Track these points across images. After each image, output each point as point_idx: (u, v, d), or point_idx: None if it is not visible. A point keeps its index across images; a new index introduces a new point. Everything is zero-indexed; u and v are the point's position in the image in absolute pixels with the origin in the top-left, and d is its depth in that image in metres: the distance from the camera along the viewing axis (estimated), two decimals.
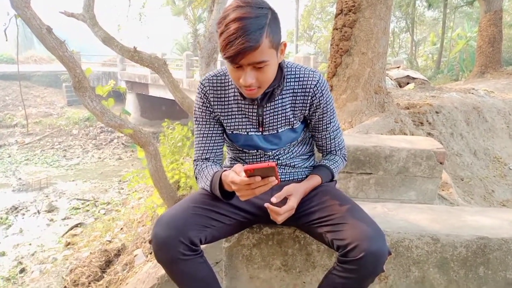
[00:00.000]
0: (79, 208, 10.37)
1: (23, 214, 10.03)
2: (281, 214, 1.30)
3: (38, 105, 19.38)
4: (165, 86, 5.64)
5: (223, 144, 1.52)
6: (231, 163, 1.59)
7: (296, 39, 23.90)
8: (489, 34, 12.21)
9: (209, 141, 1.48)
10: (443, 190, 3.22)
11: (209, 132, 1.47)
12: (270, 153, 1.47)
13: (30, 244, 8.32)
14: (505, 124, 6.13)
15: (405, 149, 2.64)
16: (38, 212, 10.13)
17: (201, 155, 1.49)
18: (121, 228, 7.25)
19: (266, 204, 1.28)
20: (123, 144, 16.60)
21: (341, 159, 1.53)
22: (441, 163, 2.69)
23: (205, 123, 1.46)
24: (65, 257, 6.95)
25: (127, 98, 19.09)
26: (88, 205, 10.55)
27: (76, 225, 8.94)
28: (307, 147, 1.55)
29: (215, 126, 1.47)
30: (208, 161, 1.48)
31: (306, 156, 1.55)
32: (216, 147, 1.49)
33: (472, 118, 5.69)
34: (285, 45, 1.27)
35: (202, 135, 1.48)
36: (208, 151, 1.48)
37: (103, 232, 7.54)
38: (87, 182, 12.66)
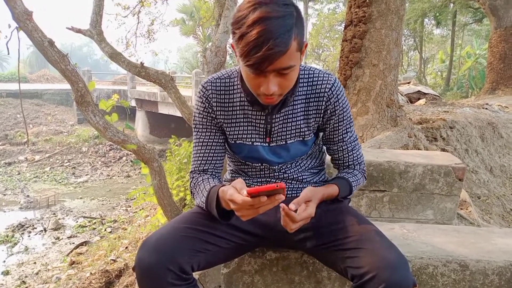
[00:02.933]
0: (86, 226, 10.24)
1: (29, 232, 9.92)
2: (297, 221, 1.08)
3: (48, 123, 19.52)
4: (174, 103, 5.55)
5: (224, 155, 1.35)
6: (231, 177, 1.42)
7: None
8: (500, 50, 12.07)
9: (208, 151, 1.30)
10: (461, 208, 3.03)
11: (209, 140, 1.29)
12: (276, 167, 1.30)
13: (34, 263, 8.18)
14: None
15: (421, 164, 2.47)
16: (45, 230, 10.01)
17: (198, 165, 1.31)
18: (126, 247, 7.08)
19: (282, 205, 1.04)
20: (131, 161, 16.54)
21: (361, 174, 1.35)
22: (460, 179, 2.51)
23: (205, 130, 1.29)
24: (68, 277, 6.77)
25: (137, 116, 19.17)
26: (95, 223, 10.43)
27: (82, 244, 8.79)
28: (317, 161, 1.38)
29: (216, 134, 1.29)
30: (206, 173, 1.30)
31: (316, 170, 1.38)
32: (215, 158, 1.31)
33: (487, 133, 5.50)
34: (306, 45, 1.10)
35: (201, 144, 1.30)
36: (207, 161, 1.30)
37: (108, 251, 7.37)
38: (94, 200, 12.57)
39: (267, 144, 1.27)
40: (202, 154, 1.30)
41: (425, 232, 1.48)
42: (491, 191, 4.66)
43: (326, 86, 1.23)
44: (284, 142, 1.27)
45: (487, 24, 19.13)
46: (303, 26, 1.07)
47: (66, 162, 16.58)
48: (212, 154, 1.30)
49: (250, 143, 1.27)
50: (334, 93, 1.23)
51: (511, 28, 12.06)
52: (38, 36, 3.43)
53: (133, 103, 18.71)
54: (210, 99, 1.26)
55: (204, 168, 1.31)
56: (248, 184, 1.36)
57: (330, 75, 1.25)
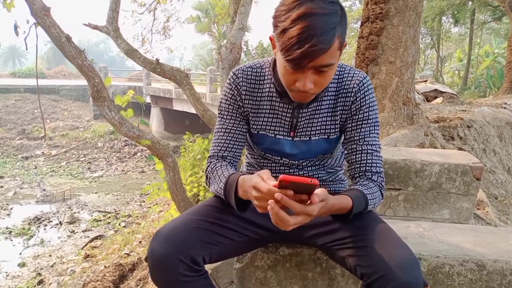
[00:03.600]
0: (100, 220, 10.37)
1: (45, 225, 10.08)
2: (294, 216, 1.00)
3: (65, 118, 19.79)
4: (188, 100, 5.57)
5: (244, 145, 1.33)
6: (247, 170, 1.41)
7: None
8: None
9: (230, 138, 1.28)
10: (478, 209, 2.98)
11: (233, 128, 1.28)
12: (296, 162, 1.28)
13: (50, 256, 8.31)
14: None
15: (437, 163, 2.43)
16: (60, 223, 10.17)
17: (218, 151, 1.29)
18: (140, 242, 7.14)
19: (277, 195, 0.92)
20: (146, 157, 16.69)
21: (378, 188, 1.20)
22: (477, 179, 2.46)
23: (230, 117, 1.28)
24: (83, 270, 6.86)
25: (152, 112, 19.31)
26: (109, 217, 10.55)
27: (96, 237, 8.90)
28: (337, 161, 1.36)
29: (240, 122, 1.28)
30: (225, 160, 1.29)
31: (333, 170, 1.36)
32: (236, 146, 1.29)
33: (505, 133, 5.41)
34: (345, 45, 1.06)
35: (224, 130, 1.28)
36: (228, 148, 1.28)
37: (122, 245, 7.44)
38: (109, 194, 12.72)
39: (290, 138, 1.25)
40: (224, 141, 1.29)
41: (442, 231, 1.46)
42: (509, 191, 4.58)
43: (355, 82, 1.20)
44: (308, 138, 1.24)
45: (507, 23, 18.77)
46: (346, 25, 1.05)
47: (82, 157, 16.79)
48: (234, 142, 1.29)
49: (273, 135, 1.26)
50: (361, 89, 1.20)
51: None
52: (55, 31, 3.47)
53: (148, 100, 18.86)
54: (239, 87, 1.25)
55: (224, 154, 1.29)
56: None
57: (360, 72, 1.22)
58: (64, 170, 15.37)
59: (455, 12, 17.64)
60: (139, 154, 17.25)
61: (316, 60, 0.98)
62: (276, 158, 1.29)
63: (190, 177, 6.16)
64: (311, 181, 0.90)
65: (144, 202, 11.56)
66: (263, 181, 0.98)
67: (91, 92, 3.84)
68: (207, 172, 1.29)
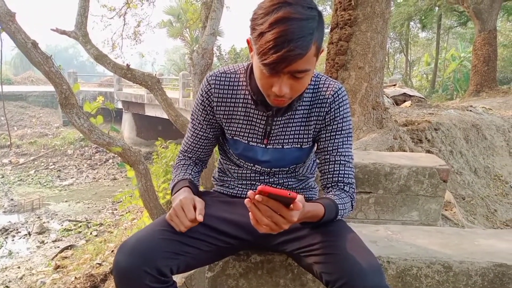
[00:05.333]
0: (71, 230, 10.12)
1: (13, 236, 9.76)
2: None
3: (33, 126, 19.25)
4: (160, 105, 5.51)
5: (212, 148, 1.38)
6: (219, 176, 1.42)
7: None
8: (484, 53, 12.25)
9: (196, 142, 1.34)
10: (446, 209, 3.05)
11: (200, 132, 1.32)
12: (269, 170, 1.29)
13: (18, 267, 8.05)
14: (505, 142, 6.01)
15: (406, 166, 2.49)
16: (29, 234, 9.86)
17: (185, 151, 1.39)
18: (112, 251, 6.99)
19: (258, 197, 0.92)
20: (117, 164, 16.39)
21: (349, 199, 1.22)
22: (444, 181, 2.53)
23: (198, 123, 1.31)
24: (53, 281, 6.67)
25: (123, 118, 19.01)
26: (80, 226, 10.30)
27: (67, 247, 8.67)
28: (309, 169, 1.37)
29: (207, 129, 1.31)
30: (190, 159, 1.39)
31: (304, 178, 1.37)
32: (201, 150, 1.36)
33: (471, 135, 5.58)
34: (322, 51, 1.07)
35: (192, 134, 1.35)
36: (193, 151, 1.37)
37: (94, 254, 7.28)
38: (80, 203, 12.42)
39: (263, 146, 1.26)
40: (190, 144, 1.36)
41: (409, 233, 1.49)
42: (476, 192, 4.72)
43: (329, 92, 1.20)
44: (281, 146, 1.24)
45: (472, 27, 19.43)
46: (323, 31, 1.06)
47: (51, 165, 16.36)
48: (199, 147, 1.35)
49: (246, 141, 1.26)
50: (336, 99, 1.21)
51: (495, 31, 12.26)
52: (21, 37, 3.38)
53: (119, 105, 18.55)
54: (210, 94, 1.25)
55: (189, 156, 1.38)
56: (233, 186, 1.36)
57: (336, 83, 1.23)
58: (32, 178, 14.93)
59: (423, 18, 18.11)
60: (110, 161, 16.94)
61: (292, 65, 0.98)
62: (249, 164, 1.30)
63: (163, 184, 6.08)
64: (289, 194, 0.89)
65: (117, 210, 11.35)
66: (193, 210, 1.10)
67: (59, 99, 3.75)
68: (173, 166, 1.41)
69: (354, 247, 1.07)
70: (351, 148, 1.26)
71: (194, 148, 1.36)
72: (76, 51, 66.38)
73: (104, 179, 15.21)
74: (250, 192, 0.92)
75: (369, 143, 3.40)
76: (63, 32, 5.86)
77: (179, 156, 1.40)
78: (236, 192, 1.34)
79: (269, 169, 1.29)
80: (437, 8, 17.32)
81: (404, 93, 7.60)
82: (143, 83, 5.56)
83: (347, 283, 0.99)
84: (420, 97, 7.71)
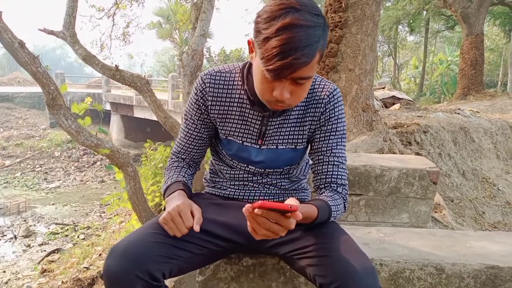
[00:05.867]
0: (58, 233, 9.98)
1: None
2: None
3: (20, 127, 18.99)
4: (149, 107, 5.47)
5: (205, 149, 1.36)
6: (211, 177, 1.40)
7: None
8: (471, 57, 12.40)
9: (190, 142, 1.31)
10: (435, 211, 3.07)
11: (193, 133, 1.29)
12: (263, 170, 1.27)
13: (4, 272, 7.91)
14: (492, 144, 6.08)
15: (396, 168, 2.49)
16: (15, 237, 9.71)
17: (178, 152, 1.36)
18: (100, 254, 6.90)
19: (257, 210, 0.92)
20: (105, 166, 16.21)
21: (342, 201, 1.22)
22: (434, 183, 2.54)
23: (192, 122, 1.28)
24: (39, 285, 6.56)
25: (112, 119, 18.85)
26: (67, 229, 10.16)
27: (54, 251, 8.55)
28: (302, 171, 1.36)
29: (201, 129, 1.28)
30: (184, 161, 1.35)
31: (297, 179, 1.35)
32: (195, 151, 1.33)
33: (459, 138, 5.63)
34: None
35: (185, 134, 1.32)
36: (186, 152, 1.34)
37: (81, 258, 7.17)
38: (67, 206, 12.27)
39: (258, 146, 1.24)
40: (183, 145, 1.33)
41: (402, 235, 1.48)
42: (464, 194, 4.76)
43: (325, 93, 1.20)
44: (275, 147, 1.24)
45: (459, 31, 19.67)
46: (327, 38, 1.05)
47: (38, 167, 16.14)
48: (192, 147, 1.32)
49: (240, 141, 1.25)
50: (331, 100, 1.20)
51: (482, 35, 12.43)
52: (8, 37, 3.33)
53: (107, 107, 18.40)
54: (205, 93, 1.23)
55: (183, 157, 1.35)
56: (225, 187, 1.33)
57: (331, 84, 1.23)
58: (18, 181, 14.71)
59: (411, 21, 18.30)
60: (98, 163, 16.76)
61: (296, 72, 0.97)
62: (242, 165, 1.28)
63: (151, 186, 6.03)
64: (290, 207, 0.89)
65: (104, 213, 11.23)
66: (191, 218, 1.10)
67: (46, 99, 3.70)
68: (165, 168, 1.36)
69: (347, 249, 1.06)
70: (344, 149, 1.25)
71: (188, 149, 1.33)
72: (64, 52, 65.79)
73: (92, 181, 15.05)
74: (248, 206, 0.92)
75: (359, 145, 3.41)
76: (51, 32, 5.78)
77: (171, 158, 1.37)
78: (228, 193, 1.32)
79: (262, 170, 1.27)
80: (425, 12, 17.51)
81: (393, 96, 7.65)
82: (132, 84, 5.51)
83: (340, 285, 0.98)
84: (408, 100, 7.78)
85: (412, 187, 2.50)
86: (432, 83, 20.96)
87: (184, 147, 1.33)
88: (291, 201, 0.97)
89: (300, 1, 0.97)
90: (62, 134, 17.72)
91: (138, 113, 16.93)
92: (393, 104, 7.49)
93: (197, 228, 1.10)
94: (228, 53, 24.52)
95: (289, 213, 0.91)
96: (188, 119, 1.29)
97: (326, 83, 1.22)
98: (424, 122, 5.30)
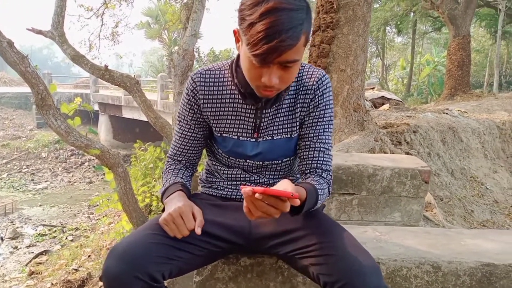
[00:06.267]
0: (46, 235, 9.86)
1: None
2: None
3: (6, 128, 18.76)
4: (139, 107, 5.44)
5: (201, 149, 1.35)
6: (207, 177, 1.39)
7: None
8: (458, 58, 12.54)
9: (185, 143, 1.31)
10: (426, 210, 3.10)
11: (188, 133, 1.29)
12: (261, 163, 1.27)
13: None
14: (480, 144, 6.16)
15: (388, 167, 2.51)
16: (1, 239, 9.59)
17: (174, 155, 1.34)
18: (89, 256, 6.84)
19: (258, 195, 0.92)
20: (94, 167, 16.08)
21: (327, 185, 1.22)
22: (426, 182, 2.56)
23: (186, 123, 1.28)
24: (28, 287, 6.49)
25: (100, 120, 18.69)
26: (55, 231, 10.05)
27: (41, 253, 8.45)
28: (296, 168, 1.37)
29: (196, 129, 1.28)
30: (180, 163, 1.34)
31: (294, 178, 1.35)
32: (191, 151, 1.32)
33: (448, 138, 5.69)
34: (308, 41, 1.08)
35: (180, 135, 1.31)
36: (182, 153, 1.32)
37: (70, 260, 7.10)
38: (55, 207, 12.13)
39: (254, 140, 1.24)
40: (179, 146, 1.32)
41: (397, 234, 1.49)
42: (453, 193, 4.81)
43: (314, 80, 1.21)
44: (271, 138, 1.24)
45: (446, 33, 19.90)
46: (312, 22, 1.05)
47: (25, 168, 15.93)
48: (188, 148, 1.31)
49: (236, 137, 1.24)
50: (320, 86, 1.21)
51: (469, 37, 12.57)
52: None
53: (96, 107, 18.24)
54: (196, 92, 1.23)
55: (179, 159, 1.34)
56: (222, 187, 1.33)
57: (319, 70, 1.24)
58: (5, 182, 14.52)
59: (398, 23, 18.47)
60: (86, 164, 16.60)
61: (282, 56, 0.98)
62: (240, 161, 1.27)
63: (142, 187, 5.99)
64: (292, 195, 0.89)
65: (93, 214, 11.13)
66: (193, 220, 1.10)
67: (35, 100, 3.66)
68: (163, 170, 1.35)
69: (351, 247, 1.06)
70: (331, 136, 1.27)
71: (184, 150, 1.32)
72: (50, 52, 65.07)
73: (80, 182, 14.90)
74: (248, 189, 0.91)
75: (351, 145, 3.43)
76: (39, 32, 5.72)
77: (168, 161, 1.36)
78: (226, 193, 1.32)
79: (261, 163, 1.27)
80: (412, 14, 17.68)
81: (383, 96, 7.71)
82: (121, 84, 5.47)
83: (346, 284, 0.98)
84: (398, 100, 7.84)
85: (404, 186, 2.52)
86: (420, 84, 21.18)
87: (179, 149, 1.32)
88: (285, 183, 0.98)
89: None
90: (49, 135, 17.53)
91: (127, 114, 16.81)
92: (383, 104, 7.54)
93: (198, 231, 1.10)
94: (217, 53, 24.50)
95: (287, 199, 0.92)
96: (182, 120, 1.29)
97: (315, 70, 1.23)
98: (414, 122, 5.35)
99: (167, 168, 1.34)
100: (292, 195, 0.89)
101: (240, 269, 1.31)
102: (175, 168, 1.32)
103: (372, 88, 8.69)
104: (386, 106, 7.33)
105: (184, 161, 1.34)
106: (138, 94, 5.46)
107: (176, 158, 1.34)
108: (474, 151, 5.93)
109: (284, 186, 0.96)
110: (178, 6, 9.19)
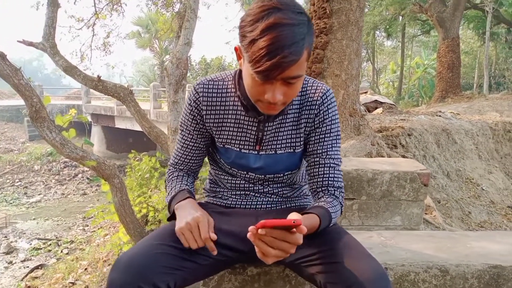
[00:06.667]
0: (41, 248, 9.73)
1: None
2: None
3: None
4: (132, 117, 5.41)
5: (203, 158, 1.35)
6: (211, 187, 1.38)
7: None
8: (448, 60, 12.66)
9: (187, 153, 1.31)
10: (426, 213, 3.10)
11: (190, 143, 1.29)
12: (263, 176, 1.26)
13: None
14: (474, 145, 6.20)
15: (388, 171, 2.51)
16: None
17: (175, 163, 1.35)
18: (85, 269, 6.76)
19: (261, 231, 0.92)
20: (88, 178, 15.96)
21: (339, 205, 1.20)
22: (425, 185, 2.57)
23: (188, 133, 1.28)
24: None
25: (92, 131, 18.59)
26: (50, 244, 9.92)
27: (37, 267, 8.33)
28: (303, 177, 1.35)
29: (198, 139, 1.28)
30: (182, 171, 1.35)
31: (298, 186, 1.34)
32: (193, 161, 1.33)
33: (442, 140, 5.72)
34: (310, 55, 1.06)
35: (181, 145, 1.32)
36: (184, 162, 1.33)
37: (66, 273, 7.00)
38: (49, 220, 11.99)
39: (256, 152, 1.23)
40: (180, 155, 1.33)
41: (403, 239, 1.48)
42: (450, 195, 4.83)
43: (318, 95, 1.20)
44: (273, 152, 1.23)
45: (434, 36, 20.12)
46: (313, 36, 1.04)
47: (17, 182, 15.75)
48: (190, 157, 1.32)
49: (238, 149, 1.23)
50: (325, 102, 1.20)
51: (458, 39, 12.71)
52: None
53: (88, 118, 18.14)
54: (199, 103, 1.22)
55: (181, 167, 1.35)
56: (226, 197, 1.32)
57: (323, 85, 1.23)
58: None
59: (388, 27, 18.63)
60: (80, 175, 16.45)
61: (285, 72, 0.97)
62: (242, 173, 1.26)
63: (138, 197, 5.94)
64: (294, 221, 0.88)
65: (88, 226, 11.02)
66: (207, 227, 1.11)
67: (29, 112, 3.62)
68: (166, 179, 1.36)
69: (357, 254, 1.05)
70: (339, 151, 1.25)
71: (186, 160, 1.33)
72: (40, 64, 64.76)
73: (74, 194, 14.75)
74: (251, 228, 0.91)
75: (348, 149, 3.43)
76: (31, 44, 5.69)
77: (169, 169, 1.37)
78: (230, 203, 1.31)
79: (263, 176, 1.26)
80: (401, 18, 17.85)
81: (376, 100, 7.75)
82: (115, 94, 5.45)
83: None
84: (391, 104, 7.88)
85: (404, 190, 2.53)
86: (410, 87, 21.35)
87: (181, 158, 1.33)
88: (293, 216, 0.97)
89: (282, 1, 0.97)
90: (42, 147, 17.39)
91: (120, 124, 16.73)
92: (376, 108, 7.58)
93: (214, 236, 1.11)
94: (208, 62, 24.52)
95: (294, 229, 0.91)
96: (184, 129, 1.29)
97: (319, 85, 1.22)
98: (408, 125, 5.38)
99: (169, 176, 1.35)
100: (293, 222, 0.88)
101: (247, 278, 1.29)
102: (178, 175, 1.33)
103: (365, 92, 8.72)
104: (379, 110, 7.37)
105: (186, 169, 1.35)
106: (132, 104, 5.43)
107: (177, 166, 1.35)
108: (468, 153, 5.96)
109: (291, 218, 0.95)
110: (169, 15, 9.21)
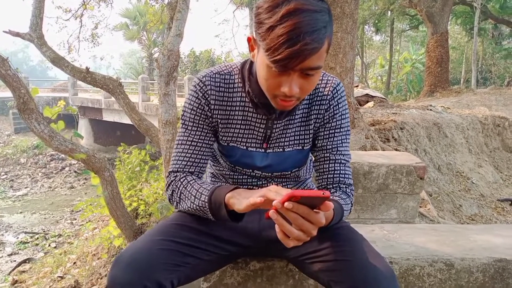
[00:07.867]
0: (28, 242, 9.59)
1: None
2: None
3: None
4: (120, 110, 5.34)
5: (209, 158, 1.25)
6: (212, 181, 1.30)
7: None
8: (437, 55, 12.74)
9: (197, 151, 1.15)
10: (420, 206, 3.11)
11: (199, 140, 1.15)
12: (270, 175, 1.20)
13: None
14: (464, 139, 6.25)
15: (384, 164, 2.50)
16: None
17: (184, 166, 1.15)
18: (74, 263, 6.66)
19: (276, 202, 0.83)
20: (75, 172, 15.77)
21: (350, 201, 1.16)
22: (421, 178, 2.57)
23: (195, 128, 1.14)
24: None
25: (80, 123, 18.36)
26: (38, 238, 9.78)
27: (24, 261, 8.21)
28: (308, 171, 1.31)
29: (207, 134, 1.16)
30: (193, 174, 1.16)
31: (302, 179, 1.30)
32: (203, 160, 1.17)
33: (433, 133, 5.75)
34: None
35: (189, 143, 1.15)
36: (193, 163, 1.15)
37: (54, 267, 6.90)
38: (36, 214, 11.83)
39: (263, 150, 1.17)
40: (190, 155, 1.16)
41: (405, 232, 1.47)
42: (441, 188, 4.86)
43: (328, 89, 1.14)
44: (281, 149, 1.17)
45: (423, 31, 20.23)
46: (333, 26, 0.97)
47: (3, 175, 15.52)
48: (200, 156, 1.16)
49: (245, 147, 1.16)
50: (335, 96, 1.15)
51: (447, 34, 12.78)
52: None
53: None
54: (208, 96, 1.13)
55: (190, 170, 1.16)
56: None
57: (334, 78, 1.17)
58: None
59: (376, 21, 18.67)
60: (67, 168, 16.24)
61: (305, 61, 0.90)
62: (247, 171, 1.21)
63: (128, 191, 5.87)
64: (323, 193, 0.81)
65: (76, 219, 10.90)
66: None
67: (16, 104, 3.53)
68: (174, 188, 1.15)
69: (364, 252, 1.01)
70: (349, 147, 1.20)
71: (196, 160, 1.16)
72: (25, 56, 63.67)
73: (61, 188, 14.57)
74: (276, 203, 0.83)
75: None
76: (17, 34, 5.56)
77: (176, 176, 1.16)
78: None
79: (269, 174, 1.21)
80: (390, 12, 17.89)
81: (367, 94, 7.76)
82: (104, 86, 5.36)
83: None
84: (382, 98, 7.90)
85: (400, 183, 2.52)
86: (398, 81, 21.49)
87: (190, 159, 1.16)
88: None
89: None
90: (28, 140, 17.13)
91: (108, 117, 16.54)
92: (367, 102, 7.59)
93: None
94: (198, 55, 24.34)
95: (320, 206, 0.84)
96: (190, 125, 1.15)
97: (329, 77, 1.16)
98: (400, 119, 5.39)
99: (182, 183, 1.14)
100: (323, 193, 0.80)
101: (250, 273, 1.26)
102: (194, 179, 1.14)
103: (356, 86, 8.73)
104: (370, 104, 7.38)
105: (197, 172, 1.17)
106: (122, 96, 5.35)
107: (186, 170, 1.16)
108: (459, 146, 6.01)
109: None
110: (158, 6, 9.07)
